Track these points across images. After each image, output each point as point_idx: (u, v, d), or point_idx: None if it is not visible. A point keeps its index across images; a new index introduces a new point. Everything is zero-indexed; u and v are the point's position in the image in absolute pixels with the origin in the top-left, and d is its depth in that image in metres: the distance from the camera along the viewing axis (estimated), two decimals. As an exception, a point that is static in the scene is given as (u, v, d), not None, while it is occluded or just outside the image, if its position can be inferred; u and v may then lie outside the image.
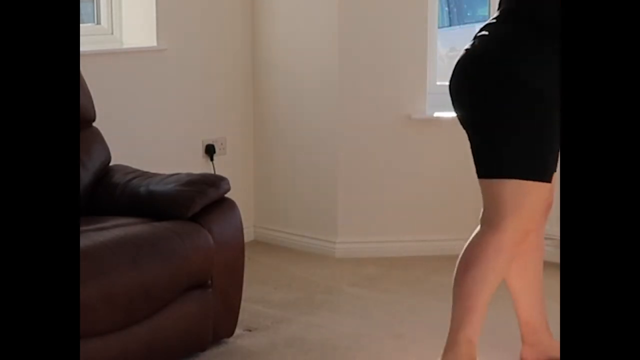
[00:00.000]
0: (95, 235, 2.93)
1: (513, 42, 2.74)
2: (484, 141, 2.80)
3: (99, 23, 4.15)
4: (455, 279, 2.84)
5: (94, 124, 3.54)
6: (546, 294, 3.75)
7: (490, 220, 2.80)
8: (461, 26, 5.73)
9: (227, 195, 3.27)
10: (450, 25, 5.74)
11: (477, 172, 2.82)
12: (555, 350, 3.02)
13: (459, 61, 2.83)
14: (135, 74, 4.09)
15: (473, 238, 2.87)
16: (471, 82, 2.78)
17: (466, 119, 2.84)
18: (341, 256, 4.35)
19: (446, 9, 5.68)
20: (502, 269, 2.84)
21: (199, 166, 4.29)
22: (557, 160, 2.78)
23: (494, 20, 2.83)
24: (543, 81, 2.67)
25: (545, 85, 2.67)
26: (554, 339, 3.05)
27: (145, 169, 3.49)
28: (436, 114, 4.28)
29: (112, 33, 4.16)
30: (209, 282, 3.13)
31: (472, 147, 2.84)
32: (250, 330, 3.43)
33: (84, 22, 4.11)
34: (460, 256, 2.86)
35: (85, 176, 3.38)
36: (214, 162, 4.39)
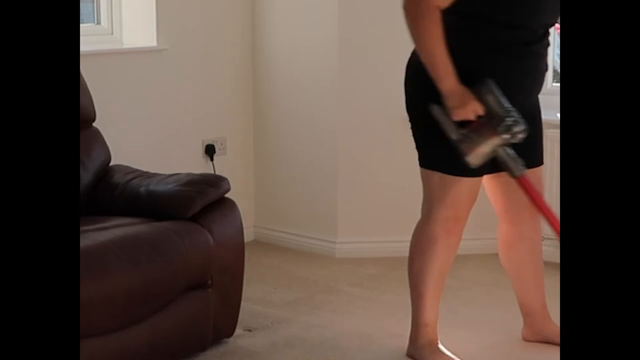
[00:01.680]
0: (95, 235, 2.93)
1: (458, 50, 2.88)
2: (414, 135, 3.09)
3: (99, 23, 4.15)
4: (407, 269, 3.16)
5: (94, 124, 3.54)
6: (546, 293, 3.75)
7: (424, 210, 3.08)
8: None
9: (227, 195, 3.27)
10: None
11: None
12: (552, 333, 3.20)
13: None
14: (135, 74, 4.09)
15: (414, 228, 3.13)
16: (404, 83, 3.12)
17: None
18: (341, 256, 4.35)
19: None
20: (443, 256, 3.06)
21: (199, 166, 4.29)
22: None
23: None
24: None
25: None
26: (552, 322, 3.22)
27: (145, 169, 3.49)
28: (436, 114, 4.27)
29: (112, 33, 4.16)
30: (209, 282, 3.13)
31: None
32: (250, 330, 3.43)
33: (84, 22, 4.11)
34: None
35: (85, 176, 3.38)
36: (214, 162, 4.39)
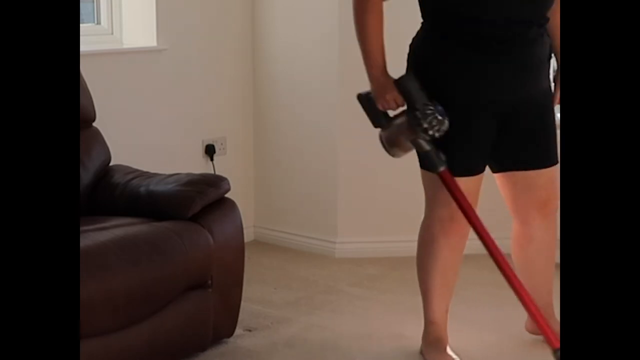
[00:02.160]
0: (95, 235, 2.93)
1: (426, 47, 3.00)
2: None
3: (99, 23, 4.15)
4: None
5: (94, 124, 3.54)
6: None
7: (425, 209, 3.11)
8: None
9: (227, 195, 3.27)
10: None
11: None
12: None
13: None
14: (135, 74, 4.09)
15: None
16: None
17: None
18: (341, 256, 4.35)
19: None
20: (443, 255, 3.07)
21: (199, 166, 4.29)
22: (476, 158, 2.97)
23: None
24: (453, 87, 2.90)
25: (457, 92, 2.89)
26: (556, 321, 3.13)
27: (145, 169, 3.49)
28: (436, 114, 4.27)
29: (112, 33, 4.16)
30: (209, 282, 3.13)
31: None
32: (250, 330, 3.43)
33: (84, 22, 4.11)
34: None
35: (85, 176, 3.38)
36: (214, 162, 4.39)
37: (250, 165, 4.61)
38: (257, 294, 3.77)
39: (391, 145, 2.97)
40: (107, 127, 3.61)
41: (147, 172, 3.44)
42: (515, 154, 3.01)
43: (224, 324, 3.25)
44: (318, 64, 4.32)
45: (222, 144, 4.44)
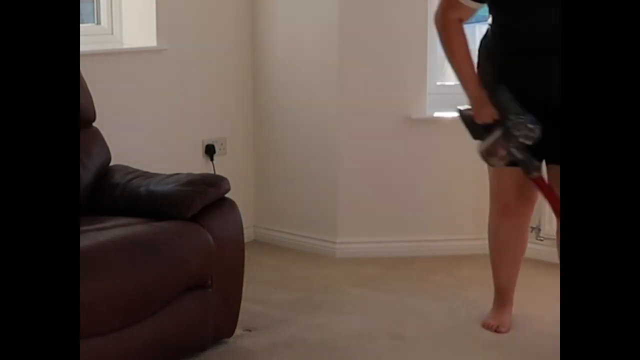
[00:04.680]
0: (95, 235, 2.93)
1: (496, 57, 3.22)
2: None
3: (99, 23, 4.15)
4: None
5: (94, 124, 3.54)
6: (546, 293, 3.76)
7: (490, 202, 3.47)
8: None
9: (227, 195, 3.27)
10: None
11: None
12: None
13: None
14: (135, 74, 4.09)
15: None
16: None
17: None
18: (341, 256, 4.35)
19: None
20: (502, 235, 3.44)
21: (199, 166, 4.29)
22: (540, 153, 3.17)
23: None
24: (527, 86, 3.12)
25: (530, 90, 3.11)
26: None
27: (145, 169, 3.49)
28: (436, 114, 4.28)
29: (112, 33, 4.16)
30: (209, 282, 3.13)
31: None
32: (250, 330, 3.43)
33: (84, 22, 4.11)
34: None
35: (85, 176, 3.38)
36: (214, 162, 4.39)
37: (250, 165, 4.61)
38: (257, 294, 3.76)
39: (490, 155, 3.17)
40: (107, 127, 3.61)
41: (147, 172, 3.45)
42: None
43: (224, 324, 3.25)
44: (318, 64, 4.32)
45: (222, 144, 4.44)
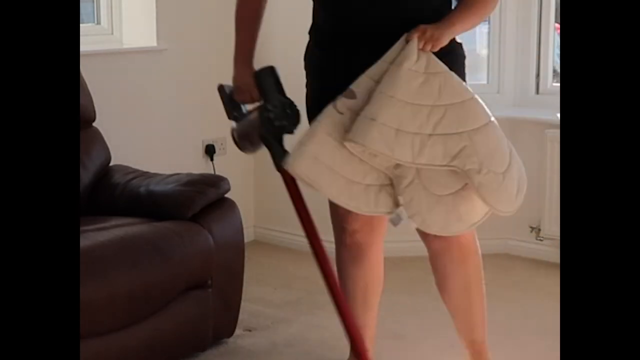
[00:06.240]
0: (95, 235, 2.93)
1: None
2: None
3: (99, 23, 4.15)
4: None
5: (94, 124, 3.55)
6: (546, 293, 3.76)
7: None
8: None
9: (227, 195, 3.27)
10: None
11: None
12: None
13: None
14: (135, 74, 4.09)
15: None
16: None
17: None
18: (341, 256, 4.34)
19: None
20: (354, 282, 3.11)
21: (199, 166, 4.29)
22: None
23: None
24: None
25: None
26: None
27: (145, 169, 3.49)
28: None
29: (112, 33, 4.16)
30: (209, 282, 3.13)
31: None
32: (250, 330, 3.43)
33: (84, 22, 4.11)
34: None
35: (85, 176, 3.38)
36: (214, 162, 4.39)
37: (250, 165, 4.61)
38: (257, 294, 3.77)
39: (242, 139, 2.87)
40: (107, 127, 3.61)
41: (147, 172, 3.45)
42: None
43: (224, 324, 3.25)
44: (318, 64, 4.31)
45: (222, 144, 4.44)
